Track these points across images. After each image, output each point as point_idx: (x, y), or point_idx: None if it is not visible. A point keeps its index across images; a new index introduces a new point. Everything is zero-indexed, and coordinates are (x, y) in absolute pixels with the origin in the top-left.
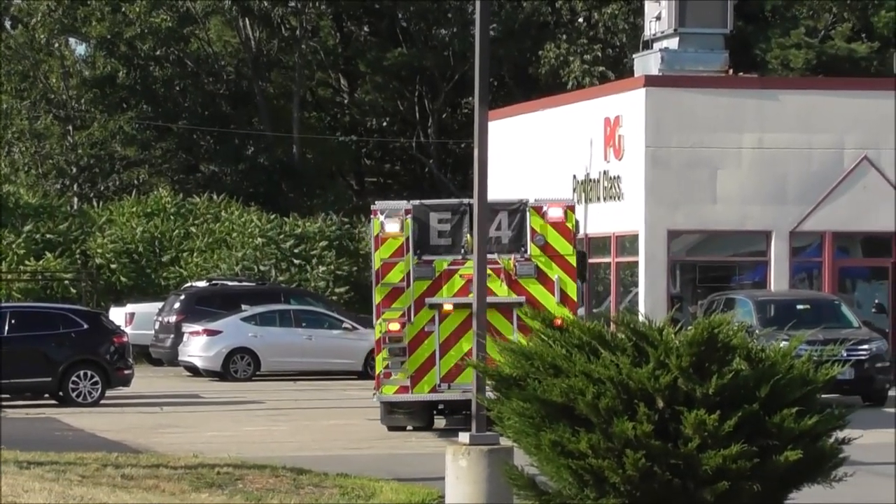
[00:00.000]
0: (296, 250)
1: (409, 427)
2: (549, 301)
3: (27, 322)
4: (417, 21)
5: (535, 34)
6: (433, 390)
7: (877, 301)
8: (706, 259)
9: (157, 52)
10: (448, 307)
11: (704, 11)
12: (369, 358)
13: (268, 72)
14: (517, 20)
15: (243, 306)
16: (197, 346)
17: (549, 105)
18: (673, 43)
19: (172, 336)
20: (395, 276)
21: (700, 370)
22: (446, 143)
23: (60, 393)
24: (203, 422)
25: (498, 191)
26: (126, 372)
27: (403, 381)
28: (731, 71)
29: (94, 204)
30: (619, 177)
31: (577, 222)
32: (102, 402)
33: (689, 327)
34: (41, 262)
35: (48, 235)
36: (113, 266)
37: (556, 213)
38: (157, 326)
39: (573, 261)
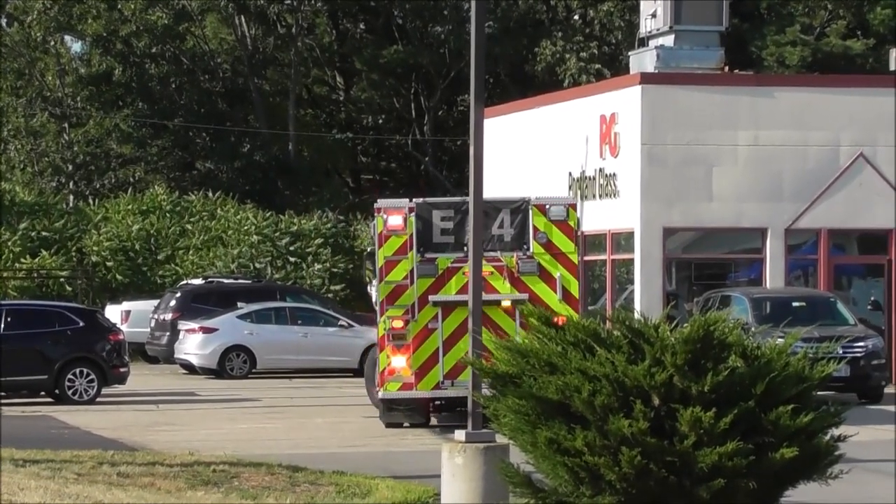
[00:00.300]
0: (292, 248)
1: (406, 424)
2: (552, 298)
3: (23, 320)
4: (413, 18)
5: (530, 31)
6: (436, 387)
7: (872, 298)
8: (702, 256)
9: (153, 50)
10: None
11: (700, 9)
12: (365, 355)
13: (264, 69)
14: (513, 17)
15: (239, 304)
16: (193, 344)
17: (545, 102)
18: (668, 40)
19: (168, 334)
20: (398, 273)
21: (696, 367)
22: (442, 140)
23: (56, 391)
24: (199, 419)
25: (494, 188)
26: (122, 370)
27: (408, 378)
28: (726, 68)
29: (90, 201)
30: (614, 174)
31: (578, 220)
32: (98, 399)
33: (685, 325)
34: (37, 260)
35: (44, 233)
36: (109, 264)
37: (558, 211)
38: (152, 324)
39: (575, 259)
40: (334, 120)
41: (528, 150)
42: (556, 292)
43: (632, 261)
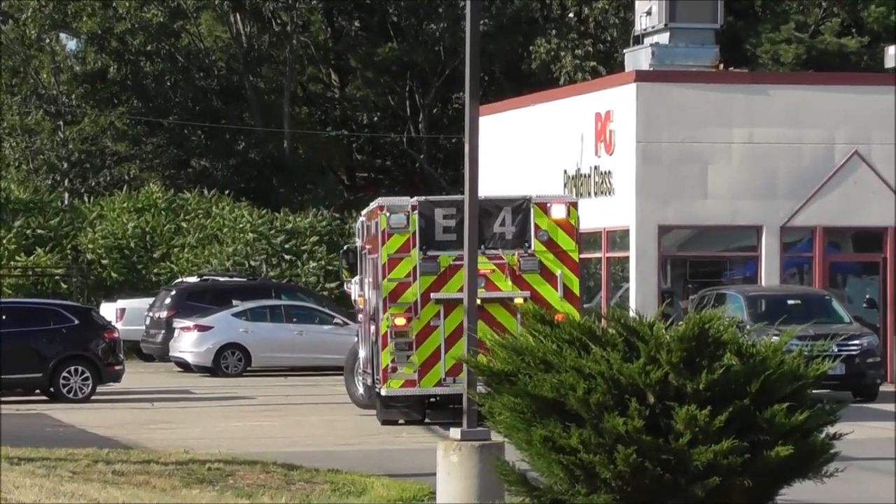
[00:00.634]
0: (287, 245)
1: (401, 421)
2: (553, 296)
3: (18, 318)
4: (408, 16)
5: (525, 29)
6: (438, 384)
7: (868, 296)
8: (697, 254)
9: (148, 48)
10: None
11: (695, 6)
12: None
13: (258, 67)
14: (508, 15)
15: (234, 302)
16: (188, 342)
17: (540, 100)
18: (664, 38)
19: (163, 332)
20: (401, 271)
21: (691, 365)
22: (437, 138)
23: (51, 389)
24: (194, 417)
25: (489, 186)
26: (117, 368)
27: (410, 375)
28: (721, 66)
29: (85, 199)
30: (609, 172)
31: (579, 219)
32: (93, 397)
33: (680, 322)
34: (32, 258)
35: (39, 231)
36: (104, 261)
37: (559, 209)
38: (147, 322)
39: (576, 256)
40: (329, 117)
41: (524, 147)
42: (557, 290)
43: (627, 258)
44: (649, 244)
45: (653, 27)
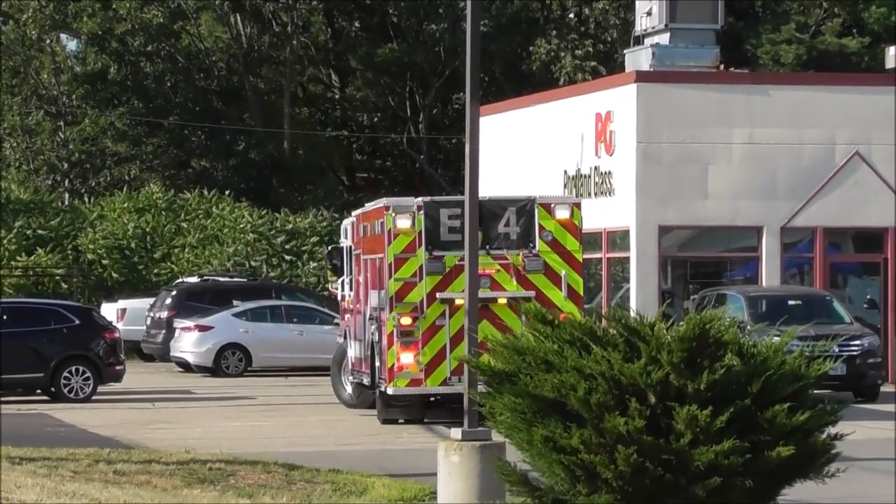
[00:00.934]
0: (287, 246)
1: (401, 420)
2: (557, 296)
3: (18, 318)
4: (408, 17)
5: (525, 30)
6: (443, 383)
7: (868, 297)
8: (697, 255)
9: (149, 48)
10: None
11: (695, 7)
12: None
13: (259, 67)
14: (508, 15)
15: (234, 302)
16: (188, 342)
17: (541, 100)
18: (664, 38)
19: (164, 332)
20: (407, 270)
21: (692, 366)
22: (437, 138)
23: (52, 389)
24: (195, 417)
25: (489, 187)
26: (118, 368)
27: (416, 374)
28: (722, 66)
29: (86, 200)
30: (609, 172)
31: (582, 219)
32: (94, 397)
33: (681, 323)
34: (32, 258)
35: (39, 231)
36: (104, 262)
37: (563, 210)
38: (148, 322)
39: (580, 257)
40: (329, 118)
41: (524, 148)
42: (561, 290)
43: (627, 259)
44: (650, 245)
45: (653, 27)
